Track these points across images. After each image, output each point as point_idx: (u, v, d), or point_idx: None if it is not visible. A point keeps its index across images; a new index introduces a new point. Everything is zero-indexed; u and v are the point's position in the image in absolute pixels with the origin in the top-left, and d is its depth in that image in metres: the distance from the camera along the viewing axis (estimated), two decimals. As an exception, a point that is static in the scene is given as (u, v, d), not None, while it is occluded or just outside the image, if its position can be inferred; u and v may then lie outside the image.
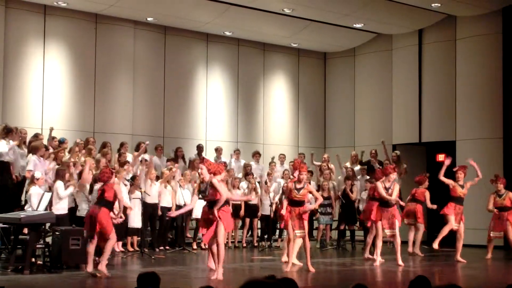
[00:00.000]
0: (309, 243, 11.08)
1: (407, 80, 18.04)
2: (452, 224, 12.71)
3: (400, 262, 11.82)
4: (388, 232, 11.99)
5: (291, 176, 11.09)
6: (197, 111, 17.54)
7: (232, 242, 15.24)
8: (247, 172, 15.58)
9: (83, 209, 11.63)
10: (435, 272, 11.45)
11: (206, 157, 15.90)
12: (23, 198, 12.20)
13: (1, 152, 11.92)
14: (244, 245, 15.43)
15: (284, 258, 11.55)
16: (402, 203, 13.39)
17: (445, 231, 12.71)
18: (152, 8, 15.77)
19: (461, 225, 12.88)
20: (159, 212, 14.00)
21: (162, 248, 14.03)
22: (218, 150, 16.23)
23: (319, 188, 15.39)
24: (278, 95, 19.14)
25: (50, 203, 11.10)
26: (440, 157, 18.23)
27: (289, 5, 15.95)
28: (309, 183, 11.88)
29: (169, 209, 14.08)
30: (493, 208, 13.30)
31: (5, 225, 11.00)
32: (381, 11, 16.35)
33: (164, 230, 14.29)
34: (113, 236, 9.87)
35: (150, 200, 13.66)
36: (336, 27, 17.49)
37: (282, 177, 15.73)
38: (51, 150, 12.73)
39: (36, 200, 10.93)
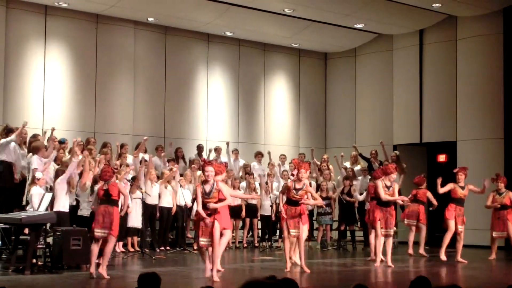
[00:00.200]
0: (304, 243, 11.04)
1: (408, 81, 18.04)
2: (452, 229, 12.69)
3: (390, 263, 11.80)
4: (383, 231, 11.96)
5: (290, 176, 11.09)
6: (197, 111, 17.55)
7: (232, 242, 15.24)
8: (247, 173, 15.59)
9: (85, 209, 11.65)
10: (436, 272, 11.45)
11: (205, 157, 16.02)
12: (24, 198, 12.21)
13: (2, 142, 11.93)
14: (245, 245, 15.44)
15: (296, 258, 11.52)
16: (402, 202, 13.30)
17: (447, 238, 12.67)
18: (153, 9, 15.78)
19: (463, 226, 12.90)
20: (159, 212, 14.01)
21: (162, 248, 14.03)
22: (217, 150, 16.24)
23: (318, 188, 15.39)
24: (278, 96, 19.14)
25: (51, 204, 11.09)
26: (441, 157, 18.26)
27: (289, 5, 15.95)
28: (310, 184, 11.86)
29: (169, 209, 14.10)
30: (491, 204, 13.30)
31: (6, 226, 11.01)
32: (381, 11, 16.35)
33: (165, 231, 14.29)
34: (115, 238, 9.88)
35: (150, 200, 13.66)
36: (336, 27, 17.49)
37: (282, 178, 15.74)
38: (50, 150, 12.73)
39: (37, 200, 10.94)
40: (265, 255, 13.76)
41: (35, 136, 12.97)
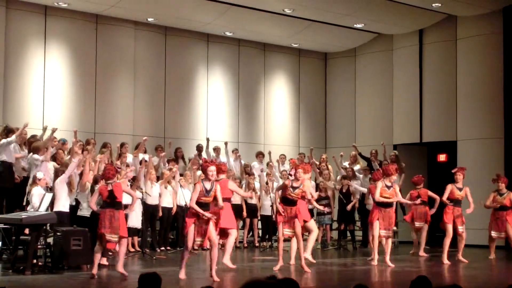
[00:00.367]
0: (302, 243, 11.07)
1: (408, 80, 18.04)
2: (451, 233, 12.67)
3: (389, 263, 11.82)
4: (383, 232, 11.96)
5: (289, 176, 11.12)
6: (197, 111, 17.55)
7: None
8: (247, 173, 15.59)
9: (84, 209, 11.65)
10: (437, 272, 11.45)
11: (206, 157, 16.03)
12: (24, 198, 12.21)
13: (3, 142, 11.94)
14: (245, 245, 15.44)
15: (307, 254, 11.52)
16: (405, 202, 13.27)
17: (446, 243, 12.66)
18: (153, 9, 15.78)
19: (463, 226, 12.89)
20: (160, 213, 14.01)
21: (163, 248, 14.03)
22: (216, 150, 16.24)
23: (317, 187, 15.39)
24: (278, 96, 19.15)
25: (51, 204, 11.10)
26: (441, 157, 18.27)
27: (289, 5, 15.96)
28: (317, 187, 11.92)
29: (169, 209, 14.11)
30: (490, 204, 13.30)
31: (6, 226, 11.02)
32: (381, 11, 16.36)
33: (165, 231, 14.30)
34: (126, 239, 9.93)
35: (150, 200, 13.67)
36: (336, 27, 17.50)
37: (281, 177, 15.73)
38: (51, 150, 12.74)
39: (37, 201, 10.94)
40: (266, 255, 13.76)
41: (34, 137, 12.99)
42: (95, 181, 11.57)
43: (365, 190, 14.75)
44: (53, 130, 12.55)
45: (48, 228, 10.83)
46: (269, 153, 16.64)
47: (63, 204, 11.28)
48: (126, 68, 16.47)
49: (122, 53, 16.37)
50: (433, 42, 17.67)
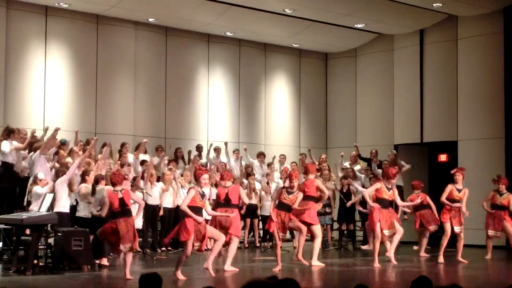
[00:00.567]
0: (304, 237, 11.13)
1: (409, 80, 18.04)
2: (449, 233, 12.68)
3: (392, 258, 11.91)
4: (387, 232, 11.96)
5: (283, 183, 11.21)
6: (198, 111, 17.55)
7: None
8: (248, 173, 15.59)
9: (81, 209, 11.64)
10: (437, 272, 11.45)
11: (206, 157, 16.05)
12: (25, 199, 12.21)
13: (3, 151, 11.95)
14: (246, 245, 15.44)
15: (314, 261, 11.53)
16: (406, 204, 13.27)
17: (444, 242, 12.66)
18: (153, 9, 15.79)
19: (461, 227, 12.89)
20: (162, 211, 14.01)
21: (164, 249, 14.03)
22: (217, 150, 16.24)
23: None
24: (279, 96, 19.15)
25: (52, 204, 11.10)
26: (442, 157, 18.26)
27: (290, 6, 15.95)
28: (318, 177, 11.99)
29: (170, 210, 14.10)
30: (487, 206, 13.30)
31: (7, 226, 11.03)
32: (382, 11, 16.35)
33: (166, 231, 14.28)
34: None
35: (151, 201, 13.67)
36: (337, 27, 17.49)
37: (281, 178, 15.72)
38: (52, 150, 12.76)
39: (38, 201, 10.94)
40: (266, 256, 13.76)
41: (35, 137, 12.99)
42: (96, 181, 11.58)
43: (364, 190, 14.74)
44: (56, 130, 12.55)
45: (49, 228, 10.83)
46: (274, 158, 16.63)
47: (63, 205, 11.29)
48: (126, 68, 16.47)
49: (122, 54, 16.37)
50: (434, 42, 17.66)
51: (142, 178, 13.51)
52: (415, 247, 13.94)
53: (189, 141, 16.94)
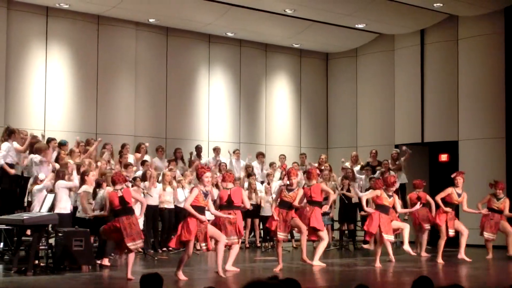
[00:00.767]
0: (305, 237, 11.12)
1: (409, 80, 18.04)
2: (445, 234, 12.69)
3: (392, 258, 11.96)
4: (387, 237, 11.98)
5: (283, 182, 11.21)
6: (199, 112, 17.55)
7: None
8: (249, 173, 15.59)
9: (81, 210, 11.64)
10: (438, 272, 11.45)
11: (204, 157, 16.06)
12: (25, 199, 12.22)
13: (3, 152, 11.97)
14: (247, 246, 15.44)
15: (316, 261, 11.53)
16: (407, 211, 13.28)
17: (441, 244, 12.66)
18: (154, 10, 15.79)
19: (461, 226, 12.85)
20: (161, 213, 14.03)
21: (165, 249, 14.02)
22: (216, 150, 16.23)
23: None
24: (280, 96, 19.15)
25: (53, 205, 11.10)
26: (443, 157, 18.26)
27: (290, 6, 15.95)
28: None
29: (170, 210, 14.08)
30: (481, 208, 13.29)
31: (8, 227, 11.03)
32: (383, 11, 16.35)
33: (167, 231, 14.28)
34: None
35: (151, 201, 13.66)
36: (338, 27, 17.49)
37: (280, 178, 15.72)
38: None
39: (39, 202, 10.95)
40: (267, 256, 13.76)
41: (35, 137, 13.00)
42: (98, 185, 11.57)
43: (363, 195, 14.82)
44: (99, 141, 12.71)
45: (49, 229, 10.84)
46: (273, 164, 16.58)
47: (64, 206, 11.29)
48: (127, 69, 16.47)
49: (123, 54, 16.37)
50: (435, 42, 17.66)
51: (143, 179, 13.53)
52: (414, 251, 13.91)
53: (190, 141, 16.94)
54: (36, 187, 11.30)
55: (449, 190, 12.68)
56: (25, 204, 12.06)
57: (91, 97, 15.95)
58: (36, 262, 10.26)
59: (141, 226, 13.05)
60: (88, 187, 11.61)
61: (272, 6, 16.02)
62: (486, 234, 13.41)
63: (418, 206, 12.81)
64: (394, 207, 12.11)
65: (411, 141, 17.98)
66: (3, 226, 11.10)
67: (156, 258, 12.59)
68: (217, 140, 17.10)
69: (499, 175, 15.08)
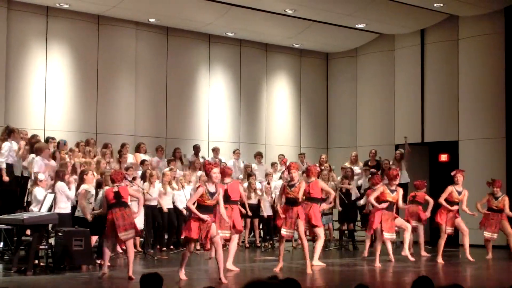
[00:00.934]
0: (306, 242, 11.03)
1: (410, 80, 18.04)
2: (445, 232, 12.69)
3: (392, 258, 12.01)
4: (387, 235, 11.98)
5: (284, 176, 11.16)
6: (199, 112, 17.56)
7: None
8: (248, 173, 15.58)
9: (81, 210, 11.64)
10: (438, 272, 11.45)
11: (206, 156, 16.06)
12: (25, 199, 12.22)
13: (3, 153, 11.99)
14: (247, 245, 15.44)
15: (315, 261, 11.52)
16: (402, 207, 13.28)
17: (441, 243, 12.66)
18: (154, 9, 15.79)
19: (462, 224, 12.83)
20: (165, 208, 13.99)
21: (165, 249, 14.02)
22: (215, 150, 16.23)
23: None
24: (280, 96, 19.15)
25: (53, 204, 11.09)
26: (443, 157, 18.26)
27: (291, 6, 15.95)
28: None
29: (170, 210, 14.06)
30: (481, 208, 13.28)
31: (8, 226, 11.03)
32: (383, 11, 16.35)
33: (167, 231, 14.27)
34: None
35: (151, 201, 13.65)
36: (338, 27, 17.49)
37: (280, 178, 15.72)
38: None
39: (39, 202, 10.95)
40: (267, 255, 13.76)
41: (35, 137, 13.00)
42: (99, 185, 11.56)
43: (358, 194, 14.93)
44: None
45: (49, 228, 10.84)
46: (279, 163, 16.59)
47: (64, 205, 11.28)
48: (127, 68, 16.47)
49: (123, 54, 16.37)
50: (435, 42, 17.66)
51: (142, 179, 13.53)
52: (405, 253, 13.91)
53: (190, 141, 16.94)
54: (36, 190, 11.28)
55: (449, 189, 12.69)
56: (25, 204, 12.06)
57: (91, 97, 15.95)
58: (36, 262, 10.28)
59: (141, 226, 13.10)
60: (88, 186, 11.59)
61: (272, 6, 16.02)
62: (487, 234, 13.41)
63: (428, 213, 12.90)
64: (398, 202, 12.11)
65: (411, 141, 17.96)
66: (3, 226, 11.10)
67: (156, 258, 12.59)
68: (217, 140, 17.10)
69: (499, 175, 15.07)
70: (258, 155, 16.83)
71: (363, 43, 18.97)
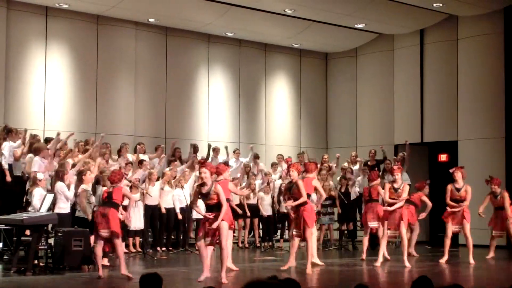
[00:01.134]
0: (311, 244, 10.98)
1: (409, 80, 18.05)
2: (448, 233, 12.68)
3: (406, 263, 11.77)
4: (390, 233, 11.99)
5: (284, 176, 11.17)
6: (198, 112, 17.56)
7: (234, 242, 15.23)
8: (247, 173, 15.58)
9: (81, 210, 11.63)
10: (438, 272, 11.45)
11: (205, 156, 16.02)
12: (24, 199, 12.21)
13: (3, 154, 11.99)
14: (247, 245, 15.44)
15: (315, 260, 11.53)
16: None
17: (447, 243, 12.67)
18: (154, 9, 15.79)
19: (466, 225, 12.78)
20: (163, 209, 13.99)
21: (164, 249, 14.02)
22: (215, 150, 16.21)
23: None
24: (279, 96, 19.15)
25: (52, 204, 11.09)
26: (442, 157, 18.26)
27: (290, 6, 15.96)
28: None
29: (169, 210, 14.06)
30: (483, 212, 13.25)
31: (7, 227, 11.03)
32: (382, 11, 16.36)
33: (167, 231, 14.27)
34: (120, 239, 9.85)
35: (150, 201, 13.66)
36: (337, 27, 17.50)
37: (280, 178, 15.72)
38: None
39: (38, 202, 10.94)
40: (267, 255, 13.76)
41: (34, 137, 13.00)
42: (97, 181, 11.56)
43: (358, 194, 14.94)
44: (102, 137, 12.75)
45: (49, 229, 10.83)
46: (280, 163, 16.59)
47: (63, 205, 11.27)
48: (127, 68, 16.47)
49: (123, 54, 16.37)
50: (434, 42, 17.67)
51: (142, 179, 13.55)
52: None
53: (190, 141, 16.90)
54: (34, 190, 11.27)
55: (449, 187, 12.70)
56: (24, 204, 12.05)
57: (91, 97, 15.95)
58: (36, 262, 10.27)
59: (141, 226, 13.11)
60: (86, 186, 11.58)
61: (272, 6, 16.02)
62: (495, 233, 13.43)
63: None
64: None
65: (410, 141, 17.95)
66: (3, 226, 11.09)
67: (155, 258, 12.58)
68: (217, 140, 17.09)
69: (499, 175, 15.03)
70: (255, 158, 16.64)
71: (363, 43, 18.98)
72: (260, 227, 15.67)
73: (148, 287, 4.82)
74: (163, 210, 13.93)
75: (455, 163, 16.29)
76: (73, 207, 11.71)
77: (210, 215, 9.39)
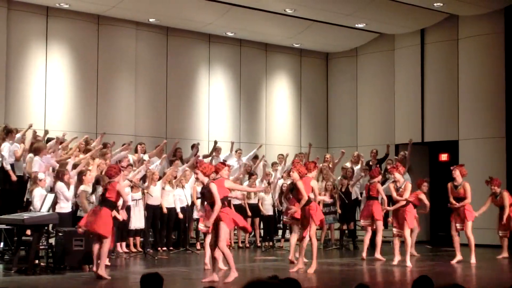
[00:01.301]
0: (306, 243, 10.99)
1: (410, 80, 18.04)
2: (454, 231, 12.68)
3: (408, 263, 11.77)
4: (395, 231, 12.05)
5: (285, 176, 11.19)
6: (199, 111, 17.56)
7: (235, 242, 15.26)
8: (249, 172, 15.58)
9: (82, 210, 11.64)
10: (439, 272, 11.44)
11: (207, 153, 16.04)
12: (24, 199, 12.22)
13: (3, 154, 12.00)
14: (247, 245, 15.44)
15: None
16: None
17: (454, 240, 12.68)
18: (154, 9, 15.79)
19: (468, 224, 12.76)
20: (165, 209, 13.98)
21: (165, 248, 14.03)
22: (217, 150, 16.22)
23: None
24: (280, 96, 19.16)
25: (53, 204, 11.10)
26: (443, 156, 18.26)
27: (291, 6, 15.96)
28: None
29: (170, 209, 14.07)
30: (480, 214, 13.25)
31: (8, 226, 11.03)
32: (383, 11, 16.35)
33: (167, 231, 14.27)
34: (109, 239, 9.79)
35: (152, 200, 13.67)
36: (338, 27, 17.50)
37: (281, 177, 15.72)
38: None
39: (39, 202, 10.95)
40: (267, 255, 13.77)
41: (35, 137, 13.00)
42: (97, 181, 11.57)
43: (358, 194, 14.96)
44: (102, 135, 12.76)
45: (50, 228, 10.83)
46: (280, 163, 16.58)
47: (64, 205, 11.28)
48: (127, 68, 16.48)
49: (123, 54, 16.38)
50: (435, 42, 17.66)
51: (142, 179, 13.56)
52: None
53: (190, 141, 16.92)
54: (35, 190, 11.27)
55: (449, 185, 12.72)
56: (24, 204, 12.06)
57: (91, 97, 15.95)
58: (36, 262, 10.27)
59: (142, 226, 13.12)
60: (86, 187, 11.59)
61: (272, 6, 16.02)
62: (501, 233, 13.48)
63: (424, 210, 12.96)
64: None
65: (411, 140, 17.99)
66: (4, 226, 11.10)
67: (156, 257, 12.59)
68: (217, 140, 17.08)
69: (499, 175, 15.05)
70: (254, 158, 16.64)
71: (363, 43, 18.98)
72: (261, 226, 15.67)
73: (149, 287, 4.82)
74: (165, 210, 13.95)
75: (455, 162, 16.23)
76: (75, 206, 11.73)
77: (198, 215, 9.47)
